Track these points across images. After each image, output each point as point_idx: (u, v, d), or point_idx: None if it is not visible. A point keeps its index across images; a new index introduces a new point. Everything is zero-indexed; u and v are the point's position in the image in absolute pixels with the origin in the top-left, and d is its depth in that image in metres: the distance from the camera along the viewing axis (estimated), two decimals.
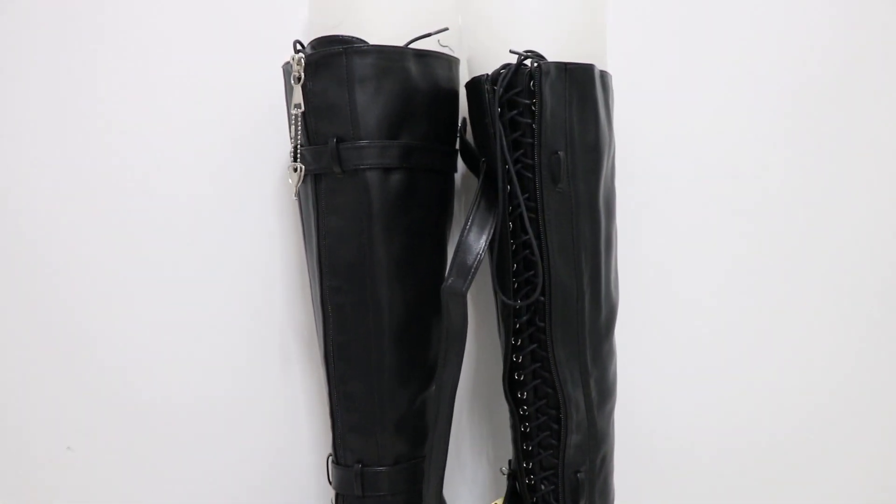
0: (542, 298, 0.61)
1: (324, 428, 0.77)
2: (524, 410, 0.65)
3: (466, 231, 0.59)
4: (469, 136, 0.69)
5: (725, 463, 0.85)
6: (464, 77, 0.69)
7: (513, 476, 0.68)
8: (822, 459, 0.86)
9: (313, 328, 0.70)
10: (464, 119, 0.69)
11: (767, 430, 0.85)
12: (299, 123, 0.61)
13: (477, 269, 0.57)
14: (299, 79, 0.59)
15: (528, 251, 0.61)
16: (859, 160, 0.83)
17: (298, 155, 0.62)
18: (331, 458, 0.67)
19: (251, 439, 0.80)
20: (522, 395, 0.64)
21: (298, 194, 0.64)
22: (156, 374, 0.79)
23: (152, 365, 0.79)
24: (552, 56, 0.59)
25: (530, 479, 0.66)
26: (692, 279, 0.83)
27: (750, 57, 0.81)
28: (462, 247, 0.58)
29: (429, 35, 0.63)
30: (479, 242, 0.58)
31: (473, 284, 0.58)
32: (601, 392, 0.65)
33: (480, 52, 0.65)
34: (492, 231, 0.59)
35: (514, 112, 0.60)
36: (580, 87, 0.60)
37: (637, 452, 0.81)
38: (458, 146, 0.69)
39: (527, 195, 0.60)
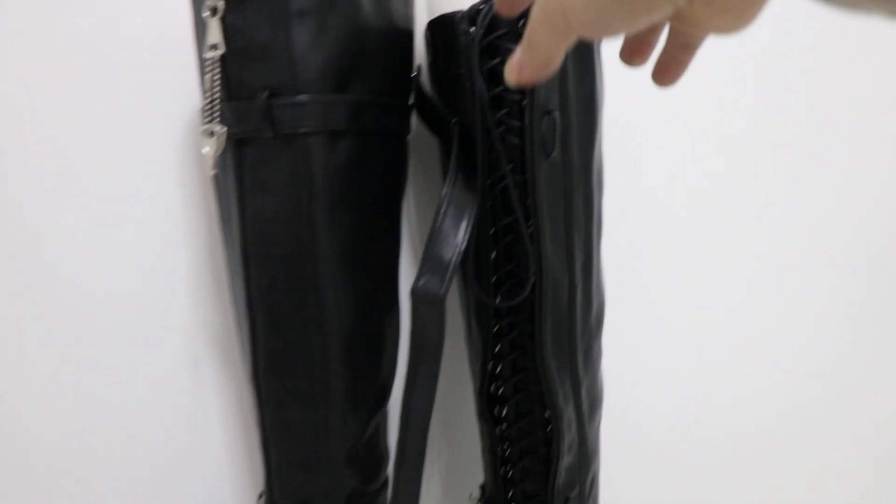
0: (532, 296, 0.49)
1: (250, 462, 0.62)
2: (503, 430, 0.53)
3: (441, 216, 0.45)
4: (426, 86, 0.55)
5: (706, 456, 0.77)
6: (419, 15, 0.55)
7: None
8: (809, 450, 0.81)
9: (232, 337, 0.55)
10: (418, 67, 0.56)
11: (747, 417, 0.78)
12: (217, 71, 0.46)
13: (457, 265, 0.44)
14: (216, 11, 0.44)
15: (511, 237, 0.49)
16: (850, 129, 0.75)
17: (213, 114, 0.46)
18: (263, 499, 0.53)
19: (154, 476, 0.62)
20: (501, 412, 0.53)
21: (216, 167, 0.49)
22: (21, 393, 0.61)
23: (22, 380, 0.61)
24: None
25: None
26: (673, 254, 0.73)
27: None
28: (437, 237, 0.45)
29: None
30: (459, 231, 0.45)
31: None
32: (592, 401, 0.55)
33: None
34: (473, 214, 0.46)
35: (497, 60, 0.47)
36: None
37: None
38: (411, 101, 0.56)
39: (512, 166, 0.48)
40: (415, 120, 0.58)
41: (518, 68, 0.34)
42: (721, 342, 0.76)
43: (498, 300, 0.50)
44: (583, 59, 0.49)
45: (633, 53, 0.40)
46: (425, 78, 0.57)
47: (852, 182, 0.77)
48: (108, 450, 0.59)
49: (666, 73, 0.39)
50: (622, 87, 0.65)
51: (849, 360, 0.82)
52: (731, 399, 0.77)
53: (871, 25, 0.75)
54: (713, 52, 0.70)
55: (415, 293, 0.44)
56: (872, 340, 0.82)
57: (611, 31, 0.30)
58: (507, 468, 0.54)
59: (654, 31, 0.38)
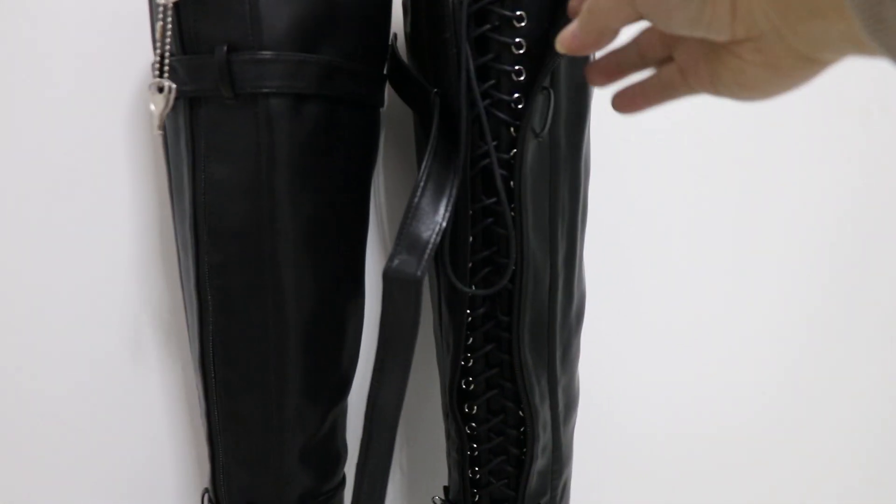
0: (511, 285, 0.45)
1: (195, 456, 0.57)
2: (472, 429, 0.49)
3: (419, 191, 0.41)
4: (402, 53, 0.51)
5: (687, 463, 0.75)
6: None
7: None
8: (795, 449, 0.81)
9: (181, 320, 0.50)
10: (394, 34, 0.51)
11: (731, 422, 0.76)
12: (169, 21, 0.41)
13: (436, 245, 0.40)
14: None
15: (491, 220, 0.45)
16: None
17: (167, 68, 0.41)
18: (207, 497, 0.48)
19: (88, 468, 0.56)
20: (472, 409, 0.49)
21: (164, 127, 0.44)
22: None
23: None
24: None
25: None
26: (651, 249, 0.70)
27: None
28: (415, 215, 0.41)
29: None
30: (439, 208, 0.41)
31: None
32: (568, 402, 0.51)
33: None
34: (453, 192, 0.42)
35: (486, 27, 0.43)
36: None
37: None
38: (386, 70, 0.51)
39: (496, 143, 0.44)
40: (388, 92, 0.53)
41: (570, 35, 0.33)
42: (705, 343, 0.74)
43: (473, 288, 0.46)
44: None
45: (604, 73, 0.38)
46: (402, 46, 0.52)
47: (840, 180, 0.76)
48: (38, 437, 0.54)
49: (631, 105, 0.37)
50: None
51: (835, 359, 0.81)
52: (714, 403, 0.75)
53: None
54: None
55: (388, 274, 0.40)
56: (859, 340, 0.82)
57: (667, 19, 0.29)
58: (475, 470, 0.50)
59: (657, 55, 0.35)
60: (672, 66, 0.34)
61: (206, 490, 0.49)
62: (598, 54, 0.37)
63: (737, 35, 0.27)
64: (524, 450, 0.48)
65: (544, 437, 0.49)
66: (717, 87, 0.32)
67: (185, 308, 0.47)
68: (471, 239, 0.46)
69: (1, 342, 0.52)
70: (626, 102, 0.37)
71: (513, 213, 0.44)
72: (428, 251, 0.40)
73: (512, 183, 0.44)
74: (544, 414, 0.48)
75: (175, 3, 0.40)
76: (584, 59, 0.46)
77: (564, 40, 0.34)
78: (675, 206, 0.70)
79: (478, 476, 0.50)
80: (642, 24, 0.33)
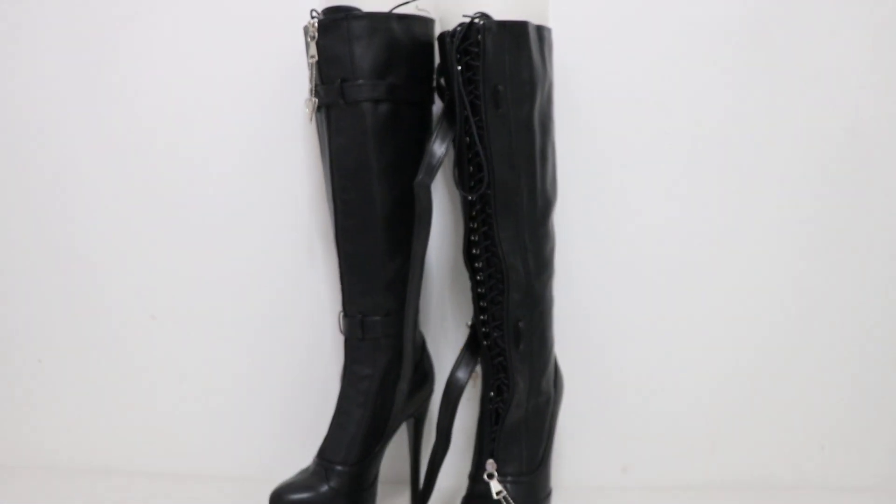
0: (489, 192, 0.85)
1: (336, 291, 1.03)
2: (479, 276, 0.89)
3: (432, 141, 0.83)
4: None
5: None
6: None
7: (473, 328, 0.92)
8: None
9: (328, 217, 0.95)
10: (439, 64, 0.93)
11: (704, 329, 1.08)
12: (314, 69, 0.85)
13: (438, 168, 0.81)
14: (314, 37, 0.84)
15: (479, 158, 0.85)
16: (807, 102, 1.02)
17: (314, 91, 0.86)
18: (341, 314, 0.93)
19: (292, 311, 1.08)
20: (478, 265, 0.88)
21: (314, 120, 0.89)
22: (225, 255, 1.08)
23: (225, 242, 1.08)
24: (501, 16, 0.82)
25: (485, 329, 0.90)
26: (636, 194, 1.06)
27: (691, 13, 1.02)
28: (429, 152, 0.82)
29: (407, 2, 0.87)
30: (441, 149, 0.82)
31: (445, 185, 0.82)
32: (538, 263, 0.89)
33: (450, 13, 0.88)
34: (450, 142, 0.83)
35: (468, 58, 0.83)
36: (515, 37, 0.82)
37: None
38: (434, 84, 0.93)
39: (477, 118, 0.84)
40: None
41: None
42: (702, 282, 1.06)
43: (472, 196, 0.86)
44: (520, 55, 0.83)
45: None
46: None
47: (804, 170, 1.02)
48: (266, 293, 1.07)
49: None
50: (591, 92, 1.02)
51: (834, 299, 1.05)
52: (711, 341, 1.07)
53: (842, 30, 1.00)
54: (687, 54, 1.01)
55: (416, 184, 0.81)
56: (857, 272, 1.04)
57: None
58: (482, 301, 0.89)
59: None
60: None
61: (341, 311, 0.93)
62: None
63: None
64: (505, 286, 0.87)
65: (517, 279, 0.87)
66: None
67: (328, 210, 0.91)
68: (470, 168, 0.86)
69: (232, 243, 1.05)
70: None
71: (485, 152, 0.84)
72: (434, 171, 0.81)
73: (484, 136, 0.84)
74: (517, 266, 0.86)
75: (317, 61, 0.84)
76: (529, 67, 0.84)
77: None
78: (666, 156, 1.04)
79: (484, 304, 0.89)
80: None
